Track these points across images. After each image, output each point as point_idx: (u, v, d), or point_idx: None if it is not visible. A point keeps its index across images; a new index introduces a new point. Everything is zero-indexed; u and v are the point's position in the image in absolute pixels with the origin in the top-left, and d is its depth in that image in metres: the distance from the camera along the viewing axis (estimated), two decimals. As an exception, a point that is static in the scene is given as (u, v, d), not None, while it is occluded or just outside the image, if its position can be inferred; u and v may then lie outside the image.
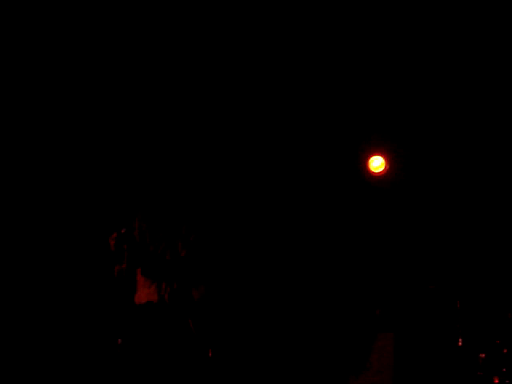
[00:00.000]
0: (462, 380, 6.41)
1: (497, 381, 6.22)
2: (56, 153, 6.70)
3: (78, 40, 6.40)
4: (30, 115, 6.63)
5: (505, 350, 6.25)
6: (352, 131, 7.32)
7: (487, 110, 6.93)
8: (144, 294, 4.84)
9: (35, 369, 6.53)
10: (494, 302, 6.63)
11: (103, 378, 6.23)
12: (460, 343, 6.44)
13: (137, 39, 6.49)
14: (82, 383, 6.49)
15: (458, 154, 7.08)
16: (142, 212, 5.03)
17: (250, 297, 6.96)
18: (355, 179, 7.38)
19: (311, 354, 6.87)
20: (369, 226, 7.31)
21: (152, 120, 6.68)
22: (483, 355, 6.34)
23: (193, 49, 6.65)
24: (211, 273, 4.88)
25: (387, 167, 7.30)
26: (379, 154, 7.31)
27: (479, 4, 6.29)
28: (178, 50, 6.63)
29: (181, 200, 4.98)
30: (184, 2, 6.37)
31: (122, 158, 6.67)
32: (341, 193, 7.38)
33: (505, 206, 6.97)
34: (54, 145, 6.70)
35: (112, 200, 6.52)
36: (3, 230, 6.59)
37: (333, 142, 7.33)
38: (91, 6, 6.22)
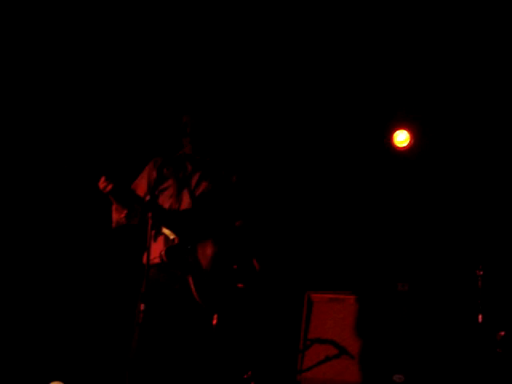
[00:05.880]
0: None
1: None
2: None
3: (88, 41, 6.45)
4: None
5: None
6: (378, 105, 7.29)
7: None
8: (154, 247, 4.39)
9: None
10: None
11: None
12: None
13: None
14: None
15: (484, 129, 6.99)
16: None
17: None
18: (380, 153, 7.35)
19: None
20: (391, 199, 7.28)
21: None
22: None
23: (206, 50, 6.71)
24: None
25: (412, 141, 7.24)
26: (404, 128, 7.26)
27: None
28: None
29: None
30: (184, 2, 6.42)
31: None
32: (365, 166, 7.36)
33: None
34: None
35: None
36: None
37: (358, 115, 7.32)
38: (91, 6, 6.27)
